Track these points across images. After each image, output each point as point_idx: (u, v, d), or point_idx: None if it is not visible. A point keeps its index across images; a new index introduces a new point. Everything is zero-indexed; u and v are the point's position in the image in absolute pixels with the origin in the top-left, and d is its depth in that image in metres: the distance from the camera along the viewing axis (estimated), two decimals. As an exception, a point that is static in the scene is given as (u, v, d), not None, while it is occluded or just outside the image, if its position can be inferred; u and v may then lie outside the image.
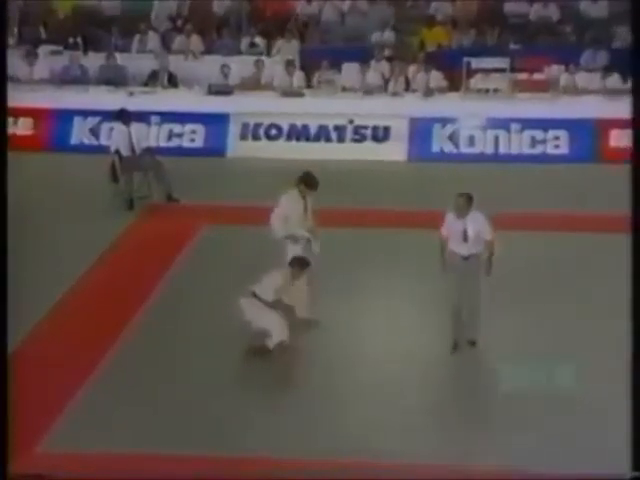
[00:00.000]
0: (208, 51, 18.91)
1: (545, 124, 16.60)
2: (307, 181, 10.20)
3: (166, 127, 17.08)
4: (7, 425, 6.51)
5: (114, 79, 17.88)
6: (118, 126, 14.35)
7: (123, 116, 14.32)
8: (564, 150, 16.52)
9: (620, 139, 16.44)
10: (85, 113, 17.13)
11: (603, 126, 16.48)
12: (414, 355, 9.65)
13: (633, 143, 7.01)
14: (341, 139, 16.94)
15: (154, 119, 16.89)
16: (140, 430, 8.32)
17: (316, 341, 9.95)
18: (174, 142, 17.05)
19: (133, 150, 14.13)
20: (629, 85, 17.21)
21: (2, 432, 6.46)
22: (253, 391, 9.05)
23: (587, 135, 16.50)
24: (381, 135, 16.87)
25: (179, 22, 19.69)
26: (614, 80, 17.32)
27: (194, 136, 17.11)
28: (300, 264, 9.58)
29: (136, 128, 14.32)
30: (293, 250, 10.00)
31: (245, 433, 8.31)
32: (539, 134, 16.59)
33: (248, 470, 7.82)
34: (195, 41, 19.00)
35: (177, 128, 17.13)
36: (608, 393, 8.54)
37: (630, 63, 7.78)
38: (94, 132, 16.99)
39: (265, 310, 9.38)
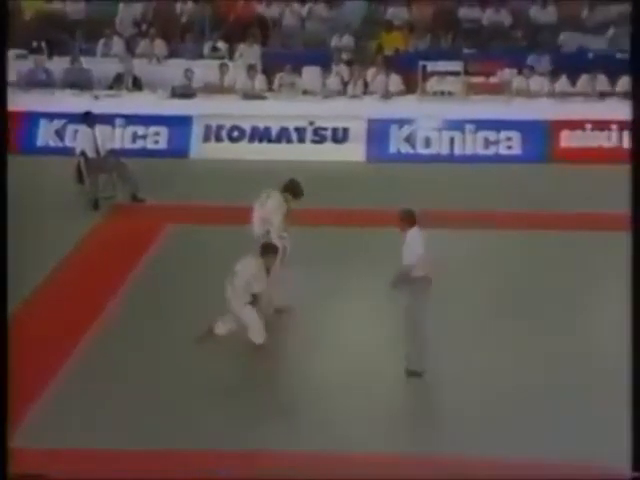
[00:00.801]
0: (172, 55, 18.80)
1: (498, 125, 16.65)
2: (293, 190, 10.20)
3: (130, 129, 16.95)
4: (7, 425, 6.37)
5: (79, 82, 17.72)
6: (83, 128, 14.33)
7: (88, 119, 14.30)
8: (517, 151, 16.59)
9: (570, 140, 16.59)
10: (51, 116, 16.96)
11: (554, 127, 16.58)
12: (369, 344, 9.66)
13: (633, 143, 6.97)
14: (302, 140, 16.90)
15: (119, 121, 16.80)
16: (103, 428, 8.23)
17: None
18: (138, 144, 16.92)
19: (98, 152, 14.07)
20: (577, 88, 17.45)
21: (2, 432, 6.34)
22: (222, 386, 8.99)
23: (538, 136, 16.58)
24: (340, 136, 16.85)
25: (143, 27, 19.52)
26: (562, 83, 17.43)
27: (158, 138, 16.99)
28: (270, 251, 9.52)
29: (101, 130, 14.29)
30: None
31: (216, 429, 8.24)
32: (492, 135, 16.64)
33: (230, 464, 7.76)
34: (159, 45, 18.87)
35: (141, 130, 17.01)
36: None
37: (630, 62, 7.65)
38: (59, 134, 16.81)
39: (245, 306, 9.32)
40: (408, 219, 8.99)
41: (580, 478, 7.23)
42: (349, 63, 18.16)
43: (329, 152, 16.66)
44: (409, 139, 16.76)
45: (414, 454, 7.95)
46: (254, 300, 9.40)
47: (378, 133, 16.76)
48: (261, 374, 9.30)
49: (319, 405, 8.70)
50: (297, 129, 16.89)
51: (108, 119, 15.66)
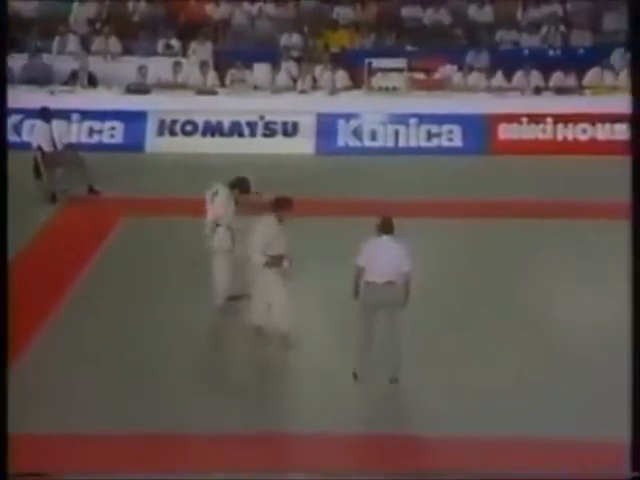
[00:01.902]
0: (126, 52, 18.53)
1: (440, 119, 16.68)
2: (241, 186, 10.07)
3: (87, 124, 16.70)
4: (7, 426, 6.12)
5: (38, 78, 17.39)
6: (40, 124, 14.06)
7: (44, 114, 14.05)
8: (457, 143, 16.65)
9: (508, 132, 16.69)
10: (7, 111, 16.58)
11: (492, 121, 16.66)
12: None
13: (632, 138, 6.75)
14: (253, 134, 16.78)
15: (75, 117, 16.55)
16: (69, 412, 8.09)
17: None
18: (95, 138, 16.69)
19: (55, 146, 13.84)
20: (514, 83, 17.57)
21: (2, 432, 6.07)
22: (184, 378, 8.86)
23: (478, 129, 16.65)
24: (290, 130, 16.76)
25: (98, 25, 19.22)
26: (499, 79, 17.52)
27: (114, 132, 16.77)
28: (285, 206, 9.21)
29: (57, 125, 14.04)
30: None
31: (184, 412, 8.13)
32: (434, 128, 16.67)
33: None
34: (113, 43, 18.59)
35: (97, 125, 16.78)
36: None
37: (630, 63, 7.51)
38: (17, 129, 16.45)
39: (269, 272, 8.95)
40: (382, 227, 8.45)
41: (580, 478, 7.04)
42: (298, 60, 18.08)
43: (279, 145, 16.56)
44: (356, 132, 16.74)
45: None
46: (273, 262, 9.02)
47: (326, 127, 16.70)
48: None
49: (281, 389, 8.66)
50: (248, 123, 16.76)
51: (64, 114, 15.37)
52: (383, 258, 8.24)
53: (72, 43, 18.55)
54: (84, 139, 16.40)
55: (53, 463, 7.41)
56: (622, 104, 16.39)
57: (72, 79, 17.56)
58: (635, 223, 6.34)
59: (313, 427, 7.89)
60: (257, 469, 7.31)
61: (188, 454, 7.55)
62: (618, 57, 17.70)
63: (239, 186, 10.07)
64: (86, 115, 16.67)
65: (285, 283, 9.15)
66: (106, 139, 16.78)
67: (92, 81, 17.64)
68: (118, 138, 16.78)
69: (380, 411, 8.27)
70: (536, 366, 8.87)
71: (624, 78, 17.34)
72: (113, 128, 16.81)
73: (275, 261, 8.99)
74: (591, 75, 17.37)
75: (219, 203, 9.98)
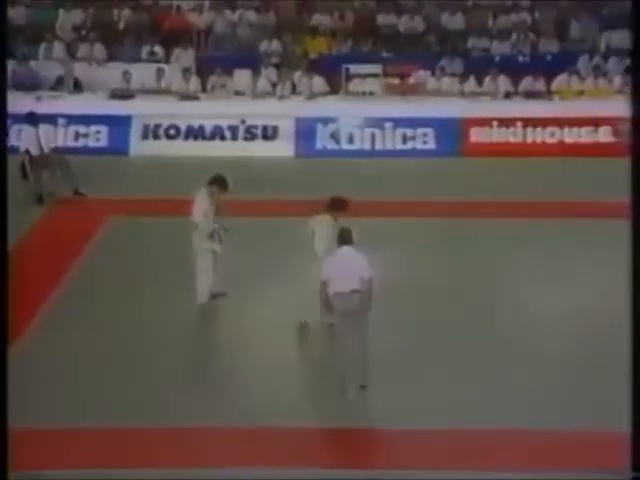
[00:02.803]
0: (111, 59, 18.42)
1: (414, 123, 16.67)
2: (219, 183, 10.01)
3: (72, 128, 16.58)
4: (7, 426, 6.09)
5: (25, 84, 17.22)
6: (27, 128, 13.97)
7: (31, 119, 13.98)
8: (431, 146, 16.64)
9: (479, 136, 16.72)
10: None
11: (464, 124, 16.67)
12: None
13: (633, 139, 6.74)
14: (234, 138, 16.71)
15: (61, 121, 16.43)
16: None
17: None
18: (80, 142, 16.57)
19: (42, 150, 13.76)
20: (485, 88, 17.59)
21: (2, 432, 6.09)
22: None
23: (451, 132, 16.64)
24: (270, 134, 16.70)
25: (83, 32, 19.10)
26: (471, 84, 17.56)
27: (99, 136, 16.66)
28: (341, 207, 9.26)
29: (44, 129, 13.99)
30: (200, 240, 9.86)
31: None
32: (409, 132, 16.66)
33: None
34: (98, 49, 18.47)
35: (83, 129, 16.66)
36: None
37: (630, 64, 7.49)
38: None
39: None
40: (342, 237, 8.34)
41: (580, 478, 6.96)
42: (277, 66, 18.04)
43: (260, 148, 16.50)
44: (334, 136, 16.70)
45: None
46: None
47: (305, 131, 16.66)
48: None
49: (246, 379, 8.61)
50: (230, 127, 16.70)
51: (51, 119, 15.28)
52: (345, 268, 8.14)
53: (58, 50, 18.43)
54: (70, 143, 16.28)
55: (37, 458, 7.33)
56: (588, 108, 16.75)
57: (58, 85, 17.49)
58: (635, 223, 6.25)
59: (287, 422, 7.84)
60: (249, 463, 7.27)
61: (171, 449, 7.49)
62: (584, 63, 17.79)
63: (217, 183, 10.00)
64: (72, 119, 16.56)
65: None
66: (92, 143, 16.67)
67: (78, 86, 17.57)
68: (103, 142, 16.67)
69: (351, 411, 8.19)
70: (503, 365, 8.84)
71: (590, 83, 17.48)
72: (98, 132, 16.70)
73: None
74: (559, 80, 17.44)
75: (198, 202, 9.91)
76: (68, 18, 19.22)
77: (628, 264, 11.26)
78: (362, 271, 8.14)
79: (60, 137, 15.85)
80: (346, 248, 8.29)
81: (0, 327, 6.51)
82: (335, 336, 8.42)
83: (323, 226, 9.21)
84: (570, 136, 16.60)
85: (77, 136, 16.64)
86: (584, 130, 16.52)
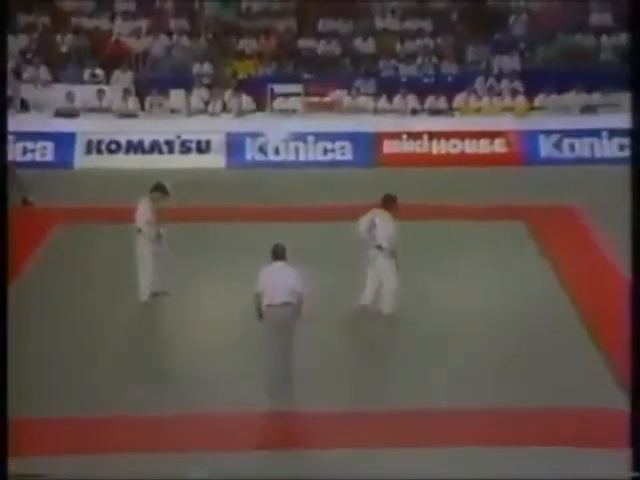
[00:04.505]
0: (55, 80, 18.04)
1: (333, 137, 16.78)
2: (160, 190, 9.96)
3: (20, 144, 16.21)
4: (7, 425, 5.84)
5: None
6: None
7: (-20, 135, 13.50)
8: (349, 157, 16.77)
9: (391, 147, 16.91)
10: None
11: (378, 138, 16.85)
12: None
13: (632, 149, 6.54)
14: (171, 151, 16.59)
15: (10, 138, 15.88)
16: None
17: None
18: (28, 157, 16.24)
19: (-9, 163, 13.33)
20: (394, 105, 17.78)
21: (2, 432, 5.80)
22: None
23: (366, 145, 16.81)
24: (203, 147, 16.63)
25: (29, 55, 18.65)
26: (383, 102, 17.74)
27: (45, 152, 16.39)
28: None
29: (-7, 145, 13.53)
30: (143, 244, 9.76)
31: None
32: (329, 144, 16.76)
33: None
34: (43, 72, 18.09)
35: (30, 145, 16.35)
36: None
37: (629, 75, 7.23)
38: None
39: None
40: (275, 253, 8.09)
41: (580, 478, 6.63)
42: (209, 86, 17.95)
43: (194, 161, 16.41)
44: (261, 148, 16.70)
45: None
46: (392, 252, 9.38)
47: (235, 144, 16.63)
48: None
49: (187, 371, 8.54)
50: (166, 142, 16.59)
51: (0, 135, 14.94)
52: (277, 282, 7.93)
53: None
54: (19, 157, 15.86)
55: None
56: (485, 123, 17.10)
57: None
58: (635, 224, 6.13)
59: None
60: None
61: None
62: (480, 84, 18.17)
63: (159, 190, 9.95)
64: (20, 136, 16.14)
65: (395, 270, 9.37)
66: (39, 157, 16.37)
67: (25, 106, 17.20)
68: (49, 156, 16.39)
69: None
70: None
71: (486, 101, 17.86)
72: (45, 148, 16.41)
73: (393, 251, 9.36)
74: (459, 99, 17.77)
75: (141, 209, 9.82)
76: (15, 42, 18.72)
77: (524, 257, 11.62)
78: (294, 285, 7.92)
79: (9, 152, 15.39)
80: (279, 263, 8.08)
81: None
82: (266, 343, 8.14)
83: (384, 220, 9.46)
84: (470, 147, 16.93)
85: (25, 151, 16.29)
86: (482, 142, 16.87)
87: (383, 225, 9.45)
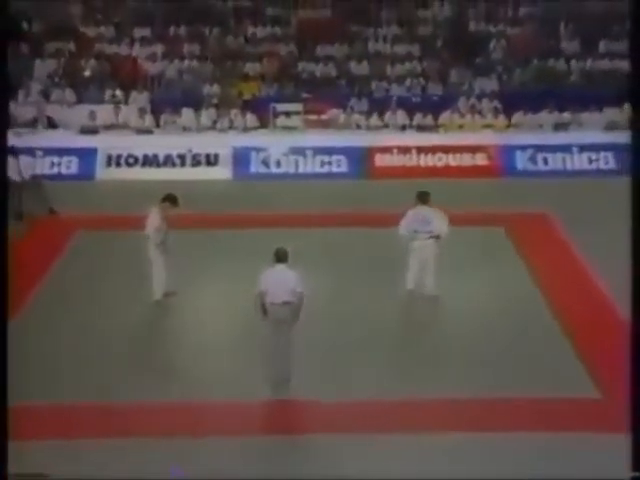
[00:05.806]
0: (79, 101, 18.11)
1: (329, 151, 16.78)
2: (171, 200, 9.96)
3: (48, 159, 16.26)
4: (7, 425, 5.67)
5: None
6: (9, 159, 13.57)
7: (12, 151, 13.54)
8: (344, 169, 16.78)
9: (382, 161, 16.92)
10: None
11: (370, 152, 16.86)
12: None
13: (632, 160, 6.31)
14: (183, 164, 16.59)
15: (38, 153, 16.08)
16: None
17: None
18: (54, 170, 16.24)
19: (21, 176, 13.42)
20: (385, 122, 17.78)
21: (2, 432, 5.58)
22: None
23: (359, 158, 16.82)
24: (212, 161, 16.62)
25: (56, 79, 18.72)
26: (374, 119, 17.76)
27: (70, 165, 16.37)
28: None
29: (23, 160, 13.71)
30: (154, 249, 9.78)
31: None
32: (326, 158, 16.76)
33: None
34: (69, 93, 18.18)
35: (56, 159, 16.36)
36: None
37: (629, 87, 7.16)
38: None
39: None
40: (277, 256, 8.05)
41: (580, 477, 6.46)
42: (217, 106, 17.98)
43: (204, 173, 16.42)
44: (265, 162, 16.70)
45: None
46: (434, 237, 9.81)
47: (241, 158, 16.64)
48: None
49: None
50: (179, 156, 16.59)
51: (30, 151, 15.08)
52: (278, 283, 7.92)
53: (34, 93, 18.07)
54: (46, 171, 15.90)
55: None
56: (467, 138, 17.12)
57: (33, 123, 17.16)
58: (635, 228, 6.01)
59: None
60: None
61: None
62: (463, 103, 18.21)
63: (169, 200, 9.96)
64: (47, 152, 16.25)
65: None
66: (64, 170, 16.36)
67: (52, 124, 17.32)
68: (74, 169, 16.38)
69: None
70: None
71: (468, 118, 17.88)
72: (70, 162, 16.42)
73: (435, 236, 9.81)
74: (443, 116, 17.80)
75: (150, 218, 9.84)
76: (43, 67, 18.81)
77: (503, 258, 11.65)
78: (294, 286, 7.91)
79: (38, 166, 15.43)
80: (281, 266, 8.06)
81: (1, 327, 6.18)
82: (267, 338, 8.11)
83: (432, 213, 9.90)
84: (454, 161, 16.94)
85: (52, 165, 16.32)
86: (465, 156, 16.90)
87: (433, 217, 9.83)
